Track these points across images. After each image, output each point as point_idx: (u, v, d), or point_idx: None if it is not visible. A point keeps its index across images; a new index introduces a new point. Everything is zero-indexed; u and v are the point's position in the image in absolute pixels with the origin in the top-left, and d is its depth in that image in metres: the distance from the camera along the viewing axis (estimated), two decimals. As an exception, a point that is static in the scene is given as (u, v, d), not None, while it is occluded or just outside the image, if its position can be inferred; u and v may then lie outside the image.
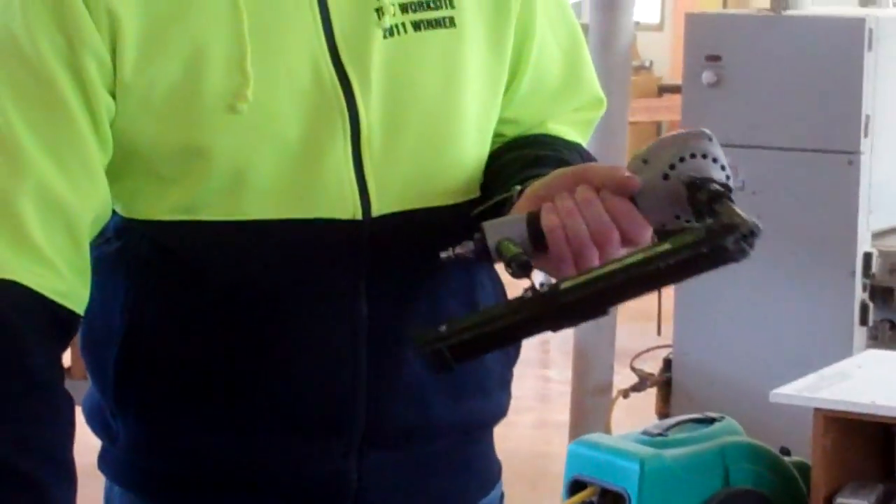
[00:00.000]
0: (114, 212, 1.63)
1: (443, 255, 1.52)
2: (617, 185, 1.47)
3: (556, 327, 1.39)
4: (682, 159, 1.48)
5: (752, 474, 3.13)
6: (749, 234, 1.35)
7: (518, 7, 1.72)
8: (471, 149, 1.69)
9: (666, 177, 1.45)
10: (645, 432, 3.45)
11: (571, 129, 1.84)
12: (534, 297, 1.39)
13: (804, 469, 2.97)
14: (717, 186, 1.43)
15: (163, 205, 1.61)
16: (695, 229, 1.39)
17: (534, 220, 1.47)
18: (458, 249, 1.50)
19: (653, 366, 4.79)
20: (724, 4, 5.11)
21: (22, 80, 1.56)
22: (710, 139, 1.51)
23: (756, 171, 4.18)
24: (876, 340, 4.28)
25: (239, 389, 1.62)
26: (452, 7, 1.66)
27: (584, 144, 1.79)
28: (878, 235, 4.37)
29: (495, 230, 1.49)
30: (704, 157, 1.49)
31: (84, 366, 2.76)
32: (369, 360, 1.59)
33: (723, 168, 1.47)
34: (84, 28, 1.53)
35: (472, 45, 1.68)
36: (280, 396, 1.60)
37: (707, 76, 4.20)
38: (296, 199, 1.61)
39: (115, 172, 1.60)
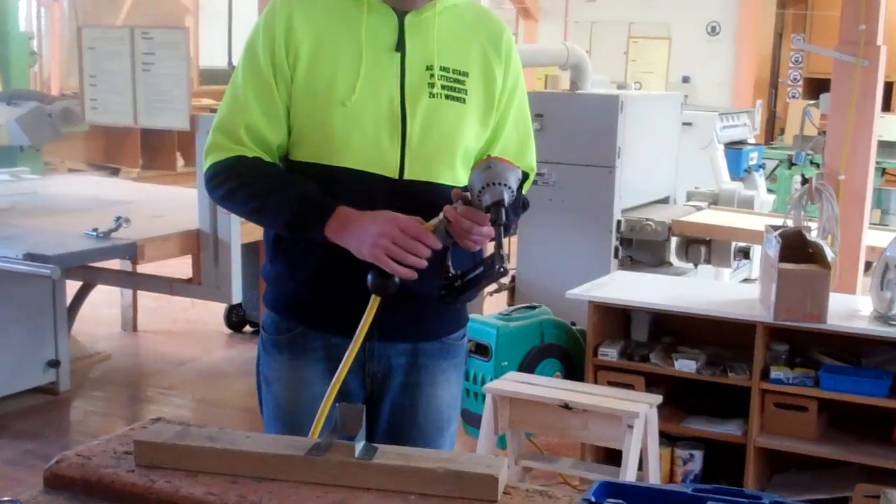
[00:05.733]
0: (287, 159, 2.05)
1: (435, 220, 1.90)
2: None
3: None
4: (484, 186, 1.81)
5: (555, 336, 4.80)
6: (502, 258, 1.78)
7: (500, 109, 2.10)
8: (457, 167, 2.05)
9: (479, 198, 1.81)
10: (500, 313, 5.03)
11: None
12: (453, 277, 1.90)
13: (583, 333, 4.52)
14: (498, 211, 1.77)
15: (303, 152, 2.03)
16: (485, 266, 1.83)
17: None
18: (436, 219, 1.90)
19: (506, 278, 5.07)
20: (545, 86, 6.57)
21: (253, 68, 2.01)
22: (490, 166, 1.81)
23: (560, 176, 5.28)
24: (622, 266, 5.38)
25: (326, 261, 1.99)
26: (466, 94, 2.04)
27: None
28: (624, 211, 5.44)
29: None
30: (495, 183, 1.80)
31: (201, 275, 4.30)
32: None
33: (504, 184, 1.80)
34: (279, 55, 1.99)
35: (470, 116, 2.05)
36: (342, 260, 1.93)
37: (535, 125, 4.26)
38: (366, 161, 1.99)
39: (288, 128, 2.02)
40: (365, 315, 1.88)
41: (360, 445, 1.48)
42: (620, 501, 1.35)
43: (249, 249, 4.96)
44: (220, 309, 6.59)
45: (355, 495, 1.42)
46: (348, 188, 1.97)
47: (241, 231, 4.52)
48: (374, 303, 1.88)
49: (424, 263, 1.86)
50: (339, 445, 1.48)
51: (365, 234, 1.86)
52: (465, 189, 1.87)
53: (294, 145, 2.04)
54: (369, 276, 1.89)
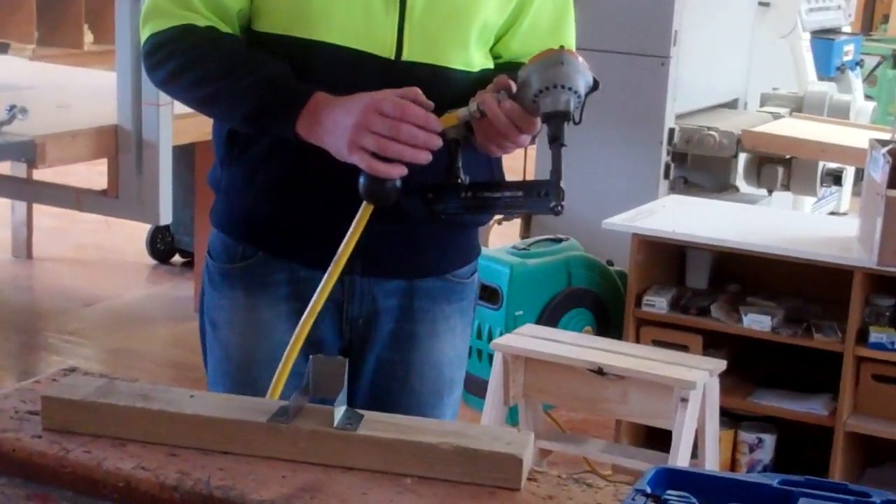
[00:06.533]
0: (249, 29, 2.07)
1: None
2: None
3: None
4: (546, 89, 1.78)
5: (586, 278, 4.81)
6: (560, 192, 1.79)
7: None
8: (472, 46, 2.07)
9: (534, 100, 1.80)
10: (514, 247, 5.00)
11: None
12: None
13: (623, 276, 4.54)
14: (559, 126, 1.77)
15: (270, 22, 2.04)
16: (536, 190, 1.84)
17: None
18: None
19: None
20: (580, -53, 6.54)
21: None
22: (563, 63, 1.80)
23: (599, 68, 4.84)
24: (674, 190, 5.40)
25: (296, 166, 2.02)
26: None
27: None
28: (679, 117, 5.49)
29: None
30: (562, 87, 1.78)
31: (119, 186, 4.28)
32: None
33: (573, 91, 1.79)
34: None
35: None
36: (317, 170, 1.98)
37: None
38: (353, 35, 2.00)
39: None
40: (351, 229, 1.87)
41: (340, 411, 1.47)
42: (686, 495, 1.34)
43: (183, 153, 4.95)
44: (142, 232, 6.58)
45: (333, 476, 1.41)
46: (328, 71, 1.96)
47: (173, 129, 4.47)
48: (364, 212, 1.87)
49: (425, 156, 1.84)
50: (312, 410, 1.47)
51: (340, 130, 1.85)
52: (511, 76, 1.85)
53: (259, 13, 2.03)
54: (360, 178, 1.86)
